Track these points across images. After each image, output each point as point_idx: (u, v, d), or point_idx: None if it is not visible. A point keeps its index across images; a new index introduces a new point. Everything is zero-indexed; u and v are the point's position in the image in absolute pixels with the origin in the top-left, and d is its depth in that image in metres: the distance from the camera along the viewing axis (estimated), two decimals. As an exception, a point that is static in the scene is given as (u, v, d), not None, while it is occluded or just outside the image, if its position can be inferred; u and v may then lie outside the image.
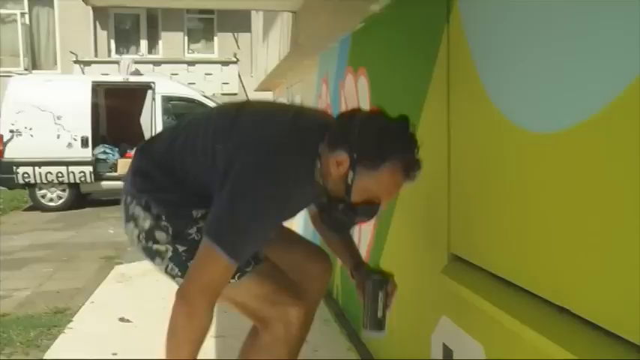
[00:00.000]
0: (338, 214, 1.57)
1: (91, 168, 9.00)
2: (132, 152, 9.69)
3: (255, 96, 14.36)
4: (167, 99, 9.59)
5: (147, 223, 1.61)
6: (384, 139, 1.50)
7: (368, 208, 1.57)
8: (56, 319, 3.43)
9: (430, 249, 1.95)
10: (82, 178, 8.99)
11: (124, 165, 9.38)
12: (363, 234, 2.86)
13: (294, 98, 5.47)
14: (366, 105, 2.77)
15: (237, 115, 1.65)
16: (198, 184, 1.61)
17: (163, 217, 1.60)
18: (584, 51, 1.13)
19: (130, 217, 1.66)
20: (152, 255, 1.64)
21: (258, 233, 1.50)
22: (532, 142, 1.33)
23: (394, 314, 2.36)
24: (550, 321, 1.25)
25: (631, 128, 1.01)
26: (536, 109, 1.32)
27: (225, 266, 1.46)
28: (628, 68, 1.00)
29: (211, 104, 9.73)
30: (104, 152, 9.51)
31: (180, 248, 1.59)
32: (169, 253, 1.60)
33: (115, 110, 10.36)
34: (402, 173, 1.50)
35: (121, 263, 4.87)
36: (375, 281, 1.76)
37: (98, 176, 9.14)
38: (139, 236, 1.64)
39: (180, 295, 1.48)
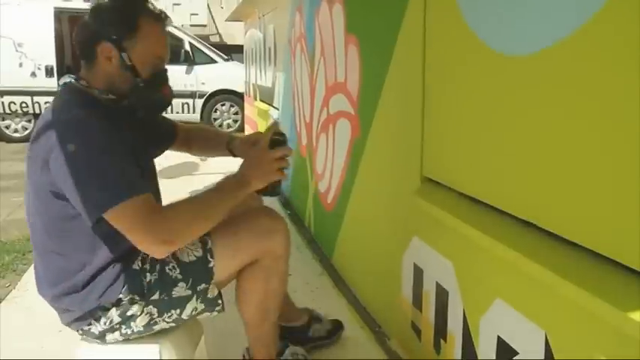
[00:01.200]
0: (143, 96, 1.57)
1: (56, 98, 8.76)
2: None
3: (225, 27, 14.05)
4: (134, 28, 9.28)
5: (115, 318, 1.53)
6: (121, 6, 1.56)
7: (161, 74, 1.62)
8: (30, 245, 3.41)
9: (403, 172, 2.00)
10: (48, 109, 8.77)
11: (91, 96, 9.15)
12: (336, 159, 2.91)
13: (267, 28, 5.37)
14: (341, 33, 2.75)
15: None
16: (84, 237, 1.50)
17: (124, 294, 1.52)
18: (564, -29, 1.15)
19: (104, 333, 1.56)
20: (149, 329, 1.58)
21: (122, 164, 1.42)
22: (506, 64, 1.36)
23: (367, 236, 2.44)
24: (518, 235, 1.32)
25: (603, 50, 1.05)
26: (511, 31, 1.35)
27: (142, 201, 1.39)
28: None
29: (181, 35, 9.50)
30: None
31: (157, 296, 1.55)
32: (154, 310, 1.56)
33: (81, 39, 9.99)
34: (156, 21, 1.57)
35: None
36: (274, 140, 1.57)
37: (64, 107, 8.92)
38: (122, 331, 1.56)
39: (156, 254, 1.43)
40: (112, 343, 1.58)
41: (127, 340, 1.58)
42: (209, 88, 9.30)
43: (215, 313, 1.64)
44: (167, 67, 1.64)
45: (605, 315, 1.00)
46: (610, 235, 1.05)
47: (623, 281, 1.00)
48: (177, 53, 9.31)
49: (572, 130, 1.14)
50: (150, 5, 1.58)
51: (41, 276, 1.58)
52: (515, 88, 1.34)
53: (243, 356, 1.82)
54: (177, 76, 9.12)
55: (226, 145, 1.93)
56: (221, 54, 9.95)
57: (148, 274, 1.53)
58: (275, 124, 1.62)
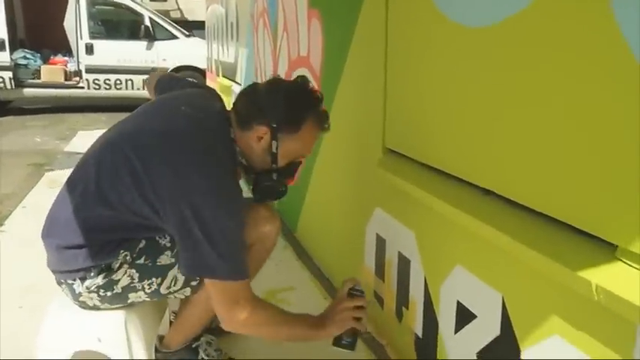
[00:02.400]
0: (270, 183, 1.63)
1: (10, 73, 8.46)
2: (56, 59, 9.23)
3: (185, 2, 13.77)
4: (92, 2, 9.02)
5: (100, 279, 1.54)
6: (297, 102, 1.58)
7: (294, 168, 1.68)
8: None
9: (366, 144, 2.03)
10: (1, 84, 8.48)
11: (48, 72, 8.93)
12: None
13: (229, 3, 5.30)
14: (304, 7, 2.74)
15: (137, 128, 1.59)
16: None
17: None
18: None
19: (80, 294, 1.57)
20: (125, 295, 1.58)
21: (240, 237, 1.48)
22: (465, 36, 1.39)
23: (330, 209, 2.47)
24: (477, 202, 1.36)
25: (557, 22, 1.08)
26: (470, 3, 1.37)
27: (232, 286, 1.45)
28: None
29: (141, 10, 9.28)
30: (24, 57, 8.94)
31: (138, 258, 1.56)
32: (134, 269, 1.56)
33: (34, 12, 9.69)
34: (318, 128, 1.62)
35: (51, 170, 4.75)
36: (351, 292, 1.67)
37: (19, 82, 8.65)
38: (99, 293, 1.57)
39: (226, 328, 1.51)
40: (84, 306, 1.59)
41: (97, 307, 1.59)
42: (170, 65, 9.11)
43: (188, 291, 1.64)
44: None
45: (556, 275, 1.05)
46: (562, 199, 1.09)
47: (574, 243, 1.05)
48: (137, 29, 9.11)
49: (527, 101, 1.17)
50: (320, 107, 1.62)
51: (57, 224, 1.55)
52: (474, 60, 1.36)
53: (156, 347, 1.76)
54: (137, 52, 8.94)
55: None
56: (182, 30, 9.77)
57: (143, 240, 1.55)
58: (353, 279, 1.68)
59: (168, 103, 1.70)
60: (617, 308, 0.91)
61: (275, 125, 1.54)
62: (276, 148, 1.56)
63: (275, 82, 1.65)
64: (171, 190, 1.42)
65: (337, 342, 1.59)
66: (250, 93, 1.64)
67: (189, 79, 2.03)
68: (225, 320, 1.48)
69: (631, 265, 0.93)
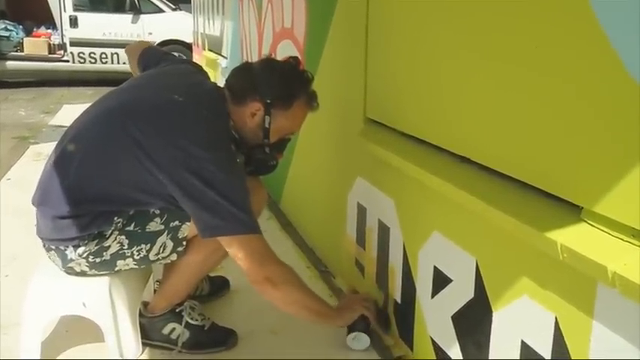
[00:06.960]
0: (262, 157, 1.71)
1: (-10, 45, 8.37)
2: (39, 31, 9.06)
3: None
4: (77, -27, 8.87)
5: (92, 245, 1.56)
6: (290, 80, 1.66)
7: (283, 144, 1.76)
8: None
9: (347, 114, 2.06)
10: (-19, 56, 8.37)
11: (31, 44, 8.80)
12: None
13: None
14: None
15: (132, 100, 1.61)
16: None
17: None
18: None
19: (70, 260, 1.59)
20: (114, 262, 1.61)
21: (246, 195, 1.53)
22: (442, 5, 1.41)
23: (313, 179, 2.49)
24: (453, 169, 1.39)
25: None
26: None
27: (257, 239, 1.52)
28: None
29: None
30: (6, 29, 8.78)
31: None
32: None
33: (15, -18, 9.51)
34: (307, 106, 1.71)
35: (36, 143, 4.72)
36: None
37: (1, 55, 8.53)
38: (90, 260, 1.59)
39: (257, 284, 1.54)
40: (70, 272, 1.62)
41: (84, 273, 1.61)
42: (156, 39, 8.96)
43: (175, 256, 1.66)
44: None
45: (525, 236, 1.09)
46: (532, 164, 1.12)
47: (543, 205, 1.09)
48: (122, 1, 8.97)
49: (497, 74, 1.20)
50: (311, 87, 1.70)
51: (51, 194, 1.55)
52: (450, 31, 1.38)
53: (140, 312, 1.78)
54: (122, 25, 8.82)
55: None
56: (169, 3, 9.64)
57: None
58: (354, 289, 2.00)
59: (162, 77, 1.73)
60: (579, 266, 0.95)
61: (269, 101, 1.61)
62: (269, 124, 1.63)
63: (269, 61, 1.72)
64: (173, 159, 1.47)
65: (351, 329, 1.76)
66: (244, 70, 1.70)
67: (177, 54, 2.04)
68: (254, 277, 1.53)
69: (594, 226, 0.97)
